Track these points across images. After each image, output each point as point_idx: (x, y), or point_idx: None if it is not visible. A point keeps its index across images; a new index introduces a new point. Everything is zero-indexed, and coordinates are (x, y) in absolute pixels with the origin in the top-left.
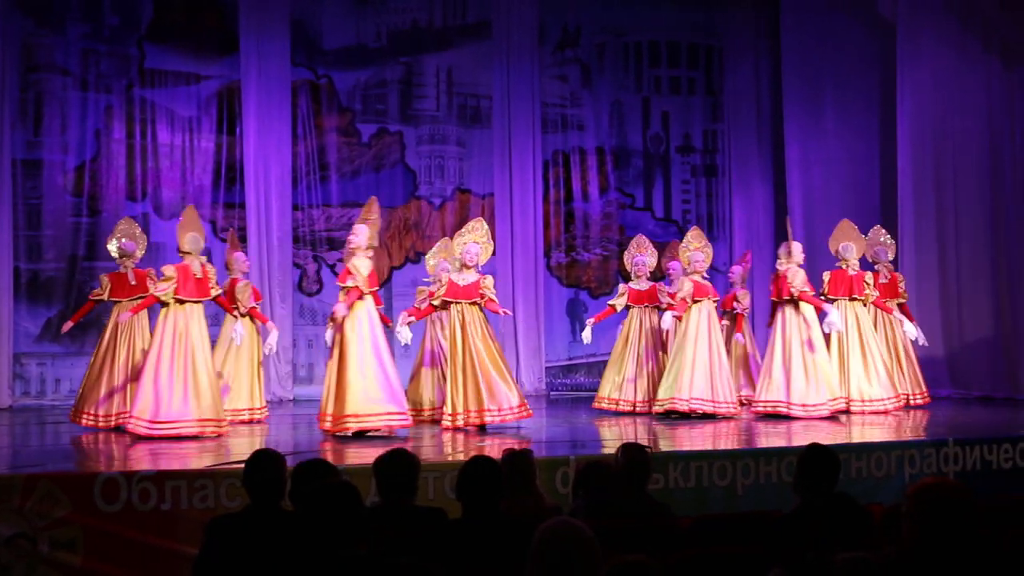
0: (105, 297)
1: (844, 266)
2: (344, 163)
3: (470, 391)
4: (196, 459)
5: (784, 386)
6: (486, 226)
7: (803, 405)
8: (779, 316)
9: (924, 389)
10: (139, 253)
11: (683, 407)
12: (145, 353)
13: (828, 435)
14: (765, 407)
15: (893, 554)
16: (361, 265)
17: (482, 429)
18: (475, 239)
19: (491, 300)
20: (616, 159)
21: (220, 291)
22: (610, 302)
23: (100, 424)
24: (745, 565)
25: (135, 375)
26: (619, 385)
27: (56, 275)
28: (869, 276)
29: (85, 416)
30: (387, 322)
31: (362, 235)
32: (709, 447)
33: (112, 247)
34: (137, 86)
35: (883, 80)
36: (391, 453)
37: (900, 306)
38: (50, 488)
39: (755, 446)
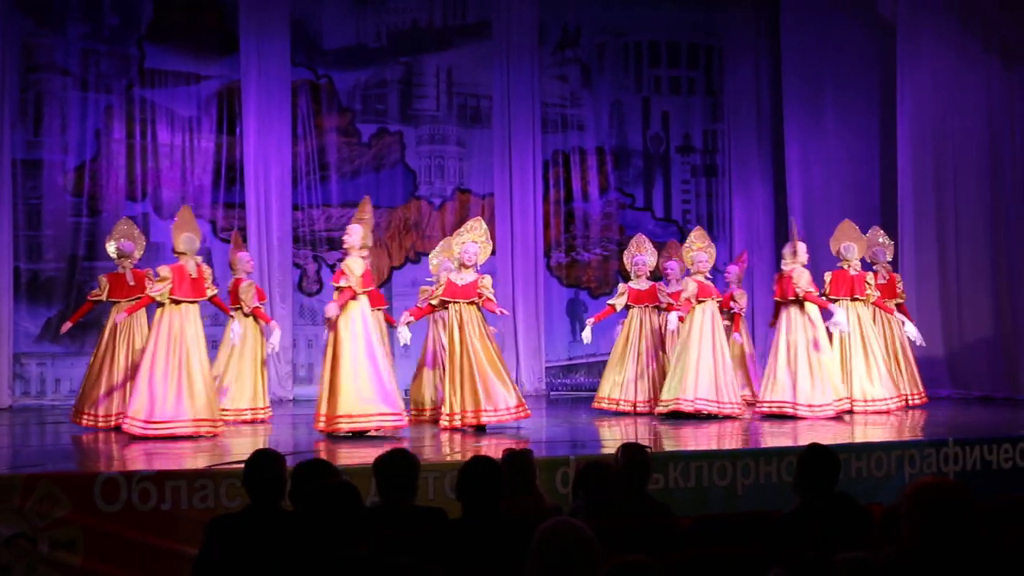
0: (103, 297)
1: (845, 266)
2: (344, 163)
3: (467, 391)
4: (191, 459)
5: (790, 386)
6: (485, 226)
7: (809, 406)
8: (783, 316)
9: (922, 389)
10: (137, 254)
11: (688, 408)
12: (141, 353)
13: (831, 435)
14: (770, 407)
15: (893, 554)
16: (355, 265)
17: (481, 429)
18: (473, 238)
19: (489, 300)
20: (616, 159)
21: (216, 291)
22: (610, 301)
23: (100, 424)
24: (745, 565)
25: (132, 375)
26: (619, 385)
27: (56, 275)
28: (870, 276)
29: (86, 416)
30: (391, 322)
31: (356, 235)
32: (715, 447)
33: (111, 248)
34: (137, 86)
35: (883, 80)
36: (391, 453)
37: (898, 306)
38: (50, 488)
39: (761, 446)
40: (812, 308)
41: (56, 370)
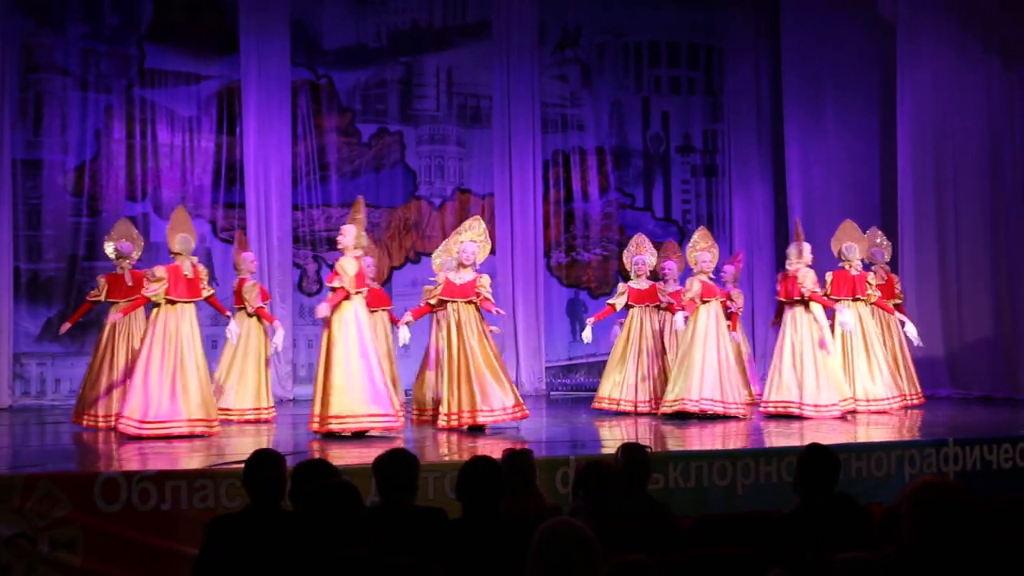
0: (102, 298)
1: (847, 266)
2: (344, 163)
3: (464, 391)
4: (186, 459)
5: (795, 386)
6: (483, 225)
7: (815, 406)
8: (788, 316)
9: (919, 389)
10: (136, 254)
11: (693, 408)
12: (136, 353)
13: (835, 435)
14: (776, 407)
15: (893, 554)
16: (348, 265)
17: (479, 429)
18: (472, 238)
19: (486, 299)
20: (616, 159)
21: (213, 291)
22: (609, 301)
23: (100, 424)
24: (745, 565)
25: (128, 375)
26: (620, 385)
27: (56, 275)
28: (871, 276)
29: (87, 417)
30: (396, 321)
31: (349, 235)
32: (720, 447)
33: (109, 249)
34: (137, 86)
35: (883, 80)
36: (391, 453)
37: (896, 307)
38: (50, 488)
39: (763, 446)
40: (817, 308)
41: (56, 370)
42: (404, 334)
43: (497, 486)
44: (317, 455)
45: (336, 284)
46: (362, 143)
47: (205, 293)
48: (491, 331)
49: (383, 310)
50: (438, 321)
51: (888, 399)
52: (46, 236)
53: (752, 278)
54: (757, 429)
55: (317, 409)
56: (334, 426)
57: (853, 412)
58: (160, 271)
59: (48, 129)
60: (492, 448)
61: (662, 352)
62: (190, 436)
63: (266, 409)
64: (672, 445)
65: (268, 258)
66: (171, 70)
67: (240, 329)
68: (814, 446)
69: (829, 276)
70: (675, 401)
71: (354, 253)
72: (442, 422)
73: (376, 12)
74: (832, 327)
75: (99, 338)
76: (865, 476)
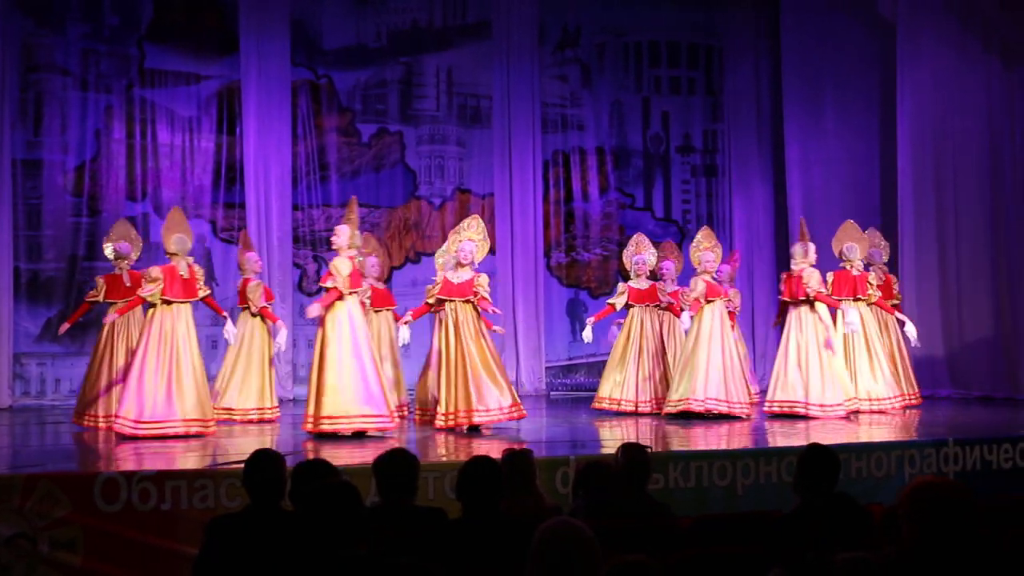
0: (100, 298)
1: (848, 267)
2: (344, 163)
3: (460, 391)
4: (181, 459)
5: (800, 386)
6: (482, 224)
7: (821, 405)
8: (792, 316)
9: (917, 389)
10: (134, 255)
11: (698, 407)
12: (132, 353)
13: (840, 435)
14: (781, 407)
15: (893, 554)
16: (342, 266)
17: (478, 429)
18: (470, 237)
19: (484, 298)
20: (616, 159)
21: (209, 292)
22: (610, 301)
23: (100, 425)
24: (745, 565)
25: (125, 375)
26: (620, 385)
27: (56, 275)
28: (872, 276)
29: (87, 417)
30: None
31: (343, 235)
32: (727, 447)
33: (108, 250)
34: (137, 86)
35: (883, 80)
36: (391, 453)
37: (894, 307)
38: (50, 488)
39: (766, 446)
40: (822, 308)
41: (56, 370)
42: (404, 334)
43: (497, 486)
44: (311, 455)
45: (329, 284)
46: (362, 143)
47: (201, 293)
48: (494, 331)
49: (387, 310)
50: (440, 321)
51: (890, 399)
52: (46, 236)
53: (752, 278)
54: (763, 429)
55: (311, 409)
56: (326, 426)
57: (857, 412)
58: (156, 271)
59: (48, 129)
60: (490, 448)
61: (662, 352)
62: (185, 436)
63: (269, 409)
64: (678, 445)
65: (268, 258)
66: (171, 70)
67: (243, 329)
68: (814, 446)
69: (830, 276)
70: (680, 401)
71: (348, 253)
72: (439, 422)
73: (376, 12)
74: (827, 325)
75: (98, 338)
76: (865, 476)
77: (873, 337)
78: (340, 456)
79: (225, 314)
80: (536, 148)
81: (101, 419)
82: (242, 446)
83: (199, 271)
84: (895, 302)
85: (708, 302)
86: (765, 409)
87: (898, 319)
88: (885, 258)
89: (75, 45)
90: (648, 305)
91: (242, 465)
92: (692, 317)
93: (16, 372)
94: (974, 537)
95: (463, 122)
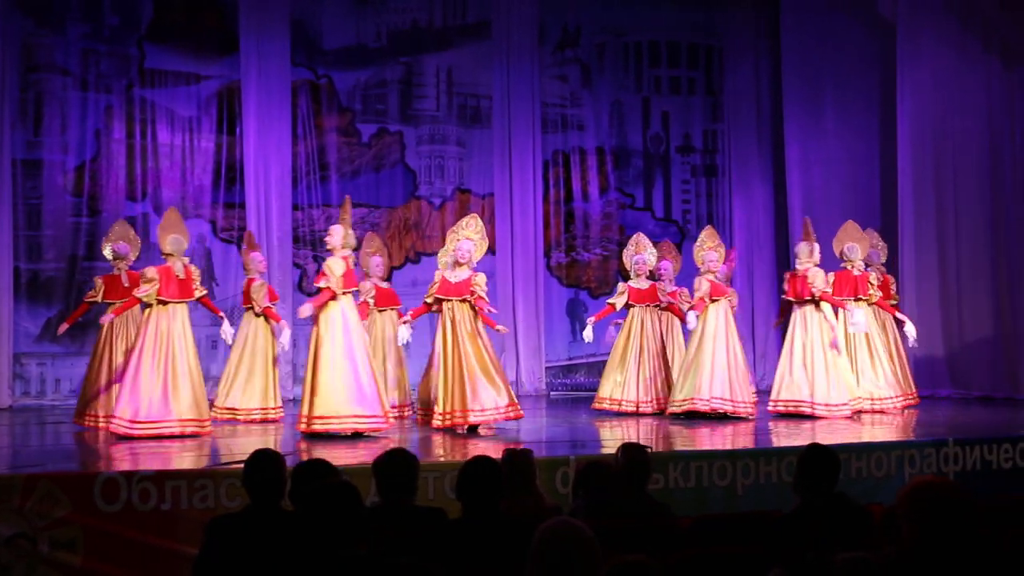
0: (99, 299)
1: (849, 267)
2: (344, 163)
3: (456, 391)
4: (177, 458)
5: (806, 385)
6: (480, 223)
7: (827, 405)
8: (797, 316)
9: (914, 389)
10: (133, 256)
11: (703, 407)
12: (129, 353)
13: (838, 435)
14: (786, 406)
15: (893, 554)
16: (335, 266)
17: (473, 429)
18: (468, 235)
19: (480, 297)
20: (616, 159)
21: (205, 292)
22: (610, 300)
23: (101, 425)
24: (745, 565)
25: (120, 375)
26: (621, 385)
27: (56, 275)
28: (873, 276)
29: (87, 417)
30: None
31: (337, 235)
32: (733, 447)
33: (106, 250)
34: (137, 86)
35: (883, 80)
36: (390, 453)
37: (893, 307)
38: (50, 488)
39: (771, 446)
40: (827, 308)
41: (56, 370)
42: (403, 333)
43: (497, 486)
44: (304, 456)
45: (323, 284)
46: (362, 143)
47: (198, 294)
48: (498, 330)
49: (391, 309)
50: (440, 320)
51: (891, 398)
52: (46, 236)
53: (752, 278)
54: (770, 430)
55: (304, 409)
56: (318, 427)
57: (859, 412)
58: (151, 272)
59: (48, 129)
60: (486, 448)
61: (663, 352)
62: (181, 436)
63: (273, 409)
64: (683, 445)
65: (268, 258)
66: (171, 70)
67: (247, 329)
68: (814, 446)
69: (831, 276)
70: (684, 400)
71: (342, 253)
72: (436, 422)
73: (376, 12)
74: (833, 326)
75: (98, 338)
76: (865, 476)
77: (874, 337)
78: (331, 456)
79: (222, 314)
80: (536, 148)
81: (101, 419)
82: (242, 446)
83: (195, 271)
84: (893, 302)
85: (712, 301)
86: (770, 409)
87: (898, 319)
88: (883, 259)
89: (75, 45)
90: (648, 305)
91: (242, 465)
92: (698, 317)
93: (16, 372)
94: (974, 537)
95: (463, 122)
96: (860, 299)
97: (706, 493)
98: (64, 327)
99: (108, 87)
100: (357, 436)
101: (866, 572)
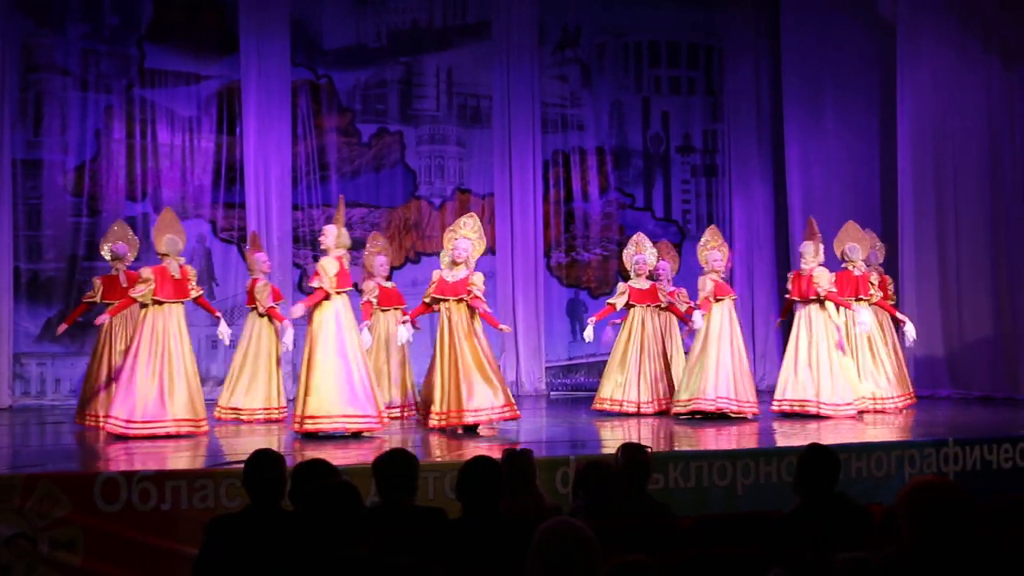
0: (98, 299)
1: (850, 267)
2: (344, 163)
3: (451, 391)
4: (173, 458)
5: (812, 385)
6: (478, 222)
7: (834, 404)
8: (802, 315)
9: (911, 389)
10: (131, 256)
11: (709, 407)
12: (125, 353)
13: (838, 435)
14: (792, 405)
15: (893, 554)
16: (329, 265)
17: (475, 429)
18: (465, 235)
19: (476, 297)
20: (616, 159)
21: (201, 292)
22: (610, 300)
23: (101, 424)
24: (745, 565)
25: (117, 375)
26: (622, 386)
27: (56, 275)
28: (875, 277)
29: (88, 417)
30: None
31: (330, 235)
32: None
33: (104, 251)
34: (137, 86)
35: (883, 80)
36: (390, 453)
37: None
38: (50, 488)
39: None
40: (831, 307)
41: (56, 370)
42: (402, 333)
43: (497, 486)
44: (297, 457)
45: (316, 284)
46: (362, 143)
47: (194, 294)
48: (501, 329)
49: (396, 309)
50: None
51: (892, 398)
52: (46, 236)
53: (752, 278)
54: (776, 430)
55: (298, 409)
56: (309, 426)
57: (863, 411)
58: (147, 272)
59: (48, 129)
60: (477, 448)
61: (664, 352)
62: (176, 436)
63: (277, 409)
64: (688, 446)
65: (268, 258)
66: (171, 70)
67: (251, 329)
68: (814, 446)
69: (832, 277)
70: (689, 400)
71: (336, 253)
72: (432, 422)
73: (376, 12)
74: (839, 327)
75: (97, 338)
76: (865, 476)
77: (876, 337)
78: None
79: (219, 314)
80: (536, 148)
81: (101, 418)
82: (242, 446)
83: (191, 271)
84: (891, 302)
85: (716, 301)
86: (775, 408)
87: (898, 319)
88: (880, 259)
89: (75, 45)
90: (649, 305)
91: (242, 465)
92: (704, 316)
93: (16, 372)
94: (974, 537)
95: (463, 122)
96: (861, 299)
97: (706, 493)
98: (63, 327)
99: (108, 87)
100: (353, 436)
101: (866, 572)
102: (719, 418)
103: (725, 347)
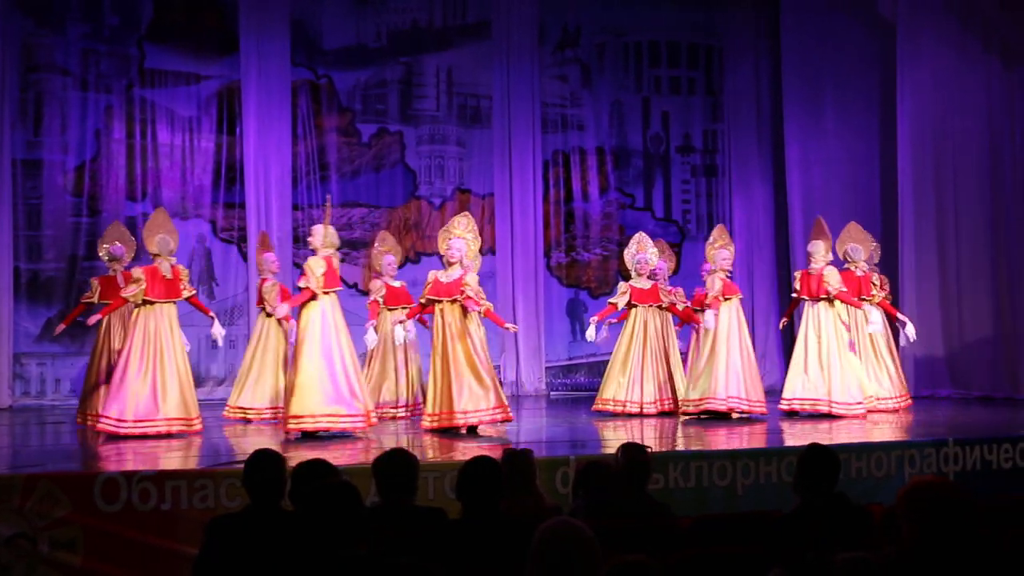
0: (95, 300)
1: (852, 267)
2: (344, 163)
3: (443, 392)
4: (164, 458)
5: (824, 384)
6: (472, 221)
7: (845, 404)
8: (810, 314)
9: (907, 390)
10: (128, 256)
11: (720, 407)
12: (118, 353)
13: (838, 435)
14: (802, 404)
15: (893, 554)
16: (316, 265)
17: (472, 431)
18: (460, 234)
19: (469, 297)
20: (616, 159)
21: (194, 292)
22: (611, 300)
23: (90, 424)
24: (745, 565)
25: (109, 375)
26: (625, 387)
27: (56, 275)
28: (876, 277)
29: (90, 418)
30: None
31: (317, 235)
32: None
33: (102, 251)
34: (137, 86)
35: (883, 80)
36: (390, 453)
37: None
38: (50, 488)
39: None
40: (841, 307)
41: (56, 370)
42: (399, 334)
43: (497, 486)
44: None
45: (302, 284)
46: (362, 143)
47: (186, 294)
48: (506, 328)
49: (403, 308)
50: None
51: (894, 398)
52: (46, 236)
53: (752, 278)
54: (784, 429)
55: (286, 409)
56: (292, 425)
57: (869, 411)
58: (138, 272)
59: (48, 129)
60: (467, 448)
61: (666, 352)
62: (168, 435)
63: (284, 408)
64: (698, 446)
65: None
66: (171, 70)
67: (260, 329)
68: (814, 446)
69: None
70: (700, 400)
71: (324, 253)
72: (425, 423)
73: (376, 12)
74: (847, 326)
75: (96, 339)
76: (865, 476)
77: (877, 337)
78: (301, 457)
79: (212, 314)
80: (536, 148)
81: (91, 418)
82: (239, 446)
83: (183, 271)
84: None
85: (725, 299)
86: (784, 407)
87: (899, 319)
88: (876, 259)
89: (75, 45)
90: (651, 305)
91: (242, 465)
92: (716, 316)
93: (16, 372)
94: (974, 537)
95: (463, 122)
96: (863, 299)
97: (706, 493)
98: (61, 327)
99: (108, 87)
100: (338, 436)
101: (866, 572)
102: (725, 417)
103: (734, 346)
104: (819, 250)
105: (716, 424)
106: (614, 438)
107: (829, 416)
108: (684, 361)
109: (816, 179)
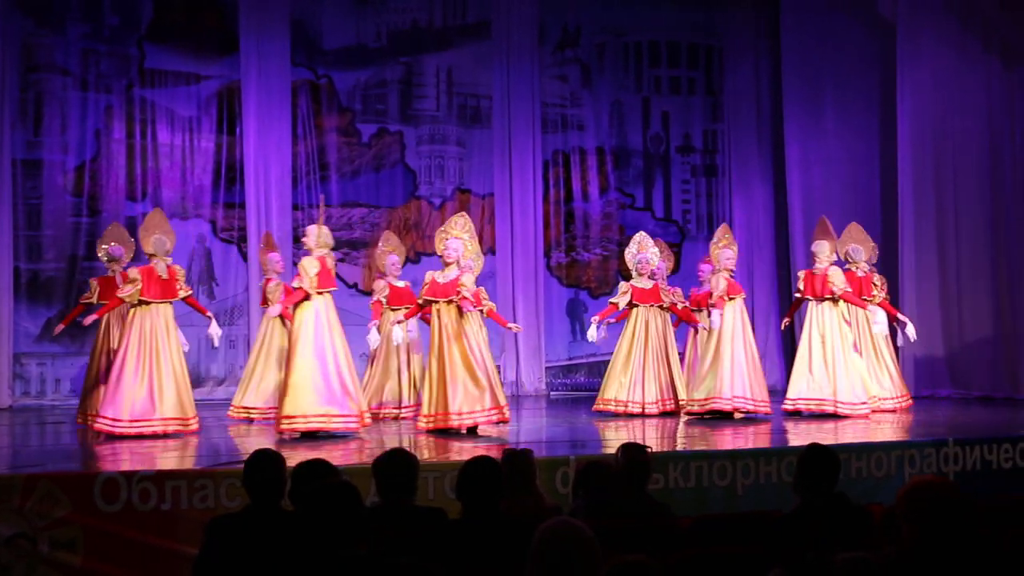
0: (94, 300)
1: (853, 268)
2: (344, 163)
3: (438, 393)
4: (161, 457)
5: (829, 384)
6: (469, 221)
7: (851, 404)
8: (813, 314)
9: (908, 391)
10: (127, 257)
11: (726, 406)
12: (115, 353)
13: (839, 435)
14: (808, 405)
15: (893, 554)
16: (309, 266)
17: (472, 431)
18: (456, 235)
19: (464, 298)
20: (616, 159)
21: (190, 292)
22: (612, 300)
23: (90, 424)
24: (745, 565)
25: (106, 375)
26: (626, 387)
27: (56, 275)
28: (877, 278)
29: (90, 417)
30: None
31: (311, 235)
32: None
33: (100, 252)
34: (137, 86)
35: (883, 80)
36: (390, 453)
37: None
38: (50, 488)
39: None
40: (844, 307)
41: (56, 370)
42: (397, 334)
43: (497, 486)
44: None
45: (296, 284)
46: (362, 143)
47: (182, 294)
48: (509, 327)
49: (406, 308)
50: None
51: (895, 398)
52: (46, 236)
53: (752, 278)
54: (789, 429)
55: (279, 409)
56: (285, 426)
57: (872, 411)
58: (133, 272)
59: (48, 129)
60: (462, 448)
61: (667, 352)
62: (164, 435)
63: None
64: (703, 446)
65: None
66: (171, 70)
67: (264, 329)
68: (814, 446)
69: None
70: (706, 400)
71: (318, 253)
72: (421, 424)
73: (376, 12)
74: (850, 324)
75: (95, 339)
76: (865, 476)
77: (879, 337)
78: (294, 457)
79: (209, 315)
80: (536, 148)
81: (90, 417)
82: (238, 446)
83: (180, 271)
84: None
85: (729, 299)
86: (788, 407)
87: (899, 319)
88: (874, 260)
89: (75, 45)
90: (652, 305)
91: (242, 465)
92: (721, 315)
93: (16, 372)
94: (974, 537)
95: (463, 122)
96: (865, 299)
97: (706, 493)
98: (60, 328)
99: (108, 87)
100: (330, 436)
101: (866, 572)
102: (729, 417)
103: (739, 346)
104: (823, 250)
105: (721, 424)
106: (614, 438)
107: (835, 416)
108: (680, 361)
109: (816, 179)
